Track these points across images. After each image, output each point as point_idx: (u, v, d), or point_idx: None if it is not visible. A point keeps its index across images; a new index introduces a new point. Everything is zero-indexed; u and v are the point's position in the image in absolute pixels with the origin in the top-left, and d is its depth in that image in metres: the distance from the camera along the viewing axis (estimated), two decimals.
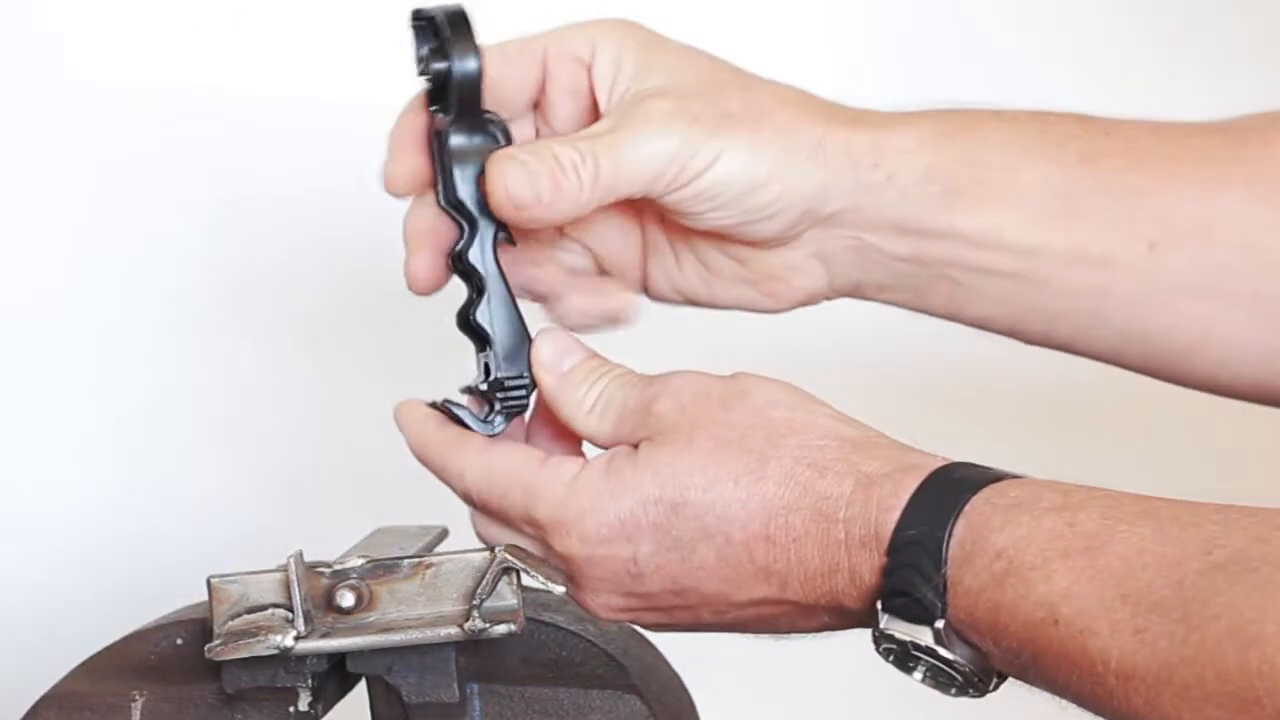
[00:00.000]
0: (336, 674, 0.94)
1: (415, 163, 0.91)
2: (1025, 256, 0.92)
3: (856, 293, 0.96)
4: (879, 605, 0.81)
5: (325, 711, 0.94)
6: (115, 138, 1.43)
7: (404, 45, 0.90)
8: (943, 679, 0.81)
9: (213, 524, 1.46)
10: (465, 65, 0.88)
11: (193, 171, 1.45)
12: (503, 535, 0.90)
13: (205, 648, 0.91)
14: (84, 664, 0.94)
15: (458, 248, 0.91)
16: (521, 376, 0.91)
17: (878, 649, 0.81)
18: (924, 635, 0.79)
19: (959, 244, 0.92)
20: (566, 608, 0.95)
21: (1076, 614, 0.75)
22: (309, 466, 1.48)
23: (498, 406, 0.91)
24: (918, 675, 0.81)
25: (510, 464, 0.89)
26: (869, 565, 0.81)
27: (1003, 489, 0.80)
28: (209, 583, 0.91)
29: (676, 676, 0.96)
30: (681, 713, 0.95)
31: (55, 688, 0.94)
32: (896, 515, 0.81)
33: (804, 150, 0.90)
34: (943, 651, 0.79)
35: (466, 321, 0.91)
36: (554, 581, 0.89)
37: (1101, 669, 0.74)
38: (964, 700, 0.83)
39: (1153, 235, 0.91)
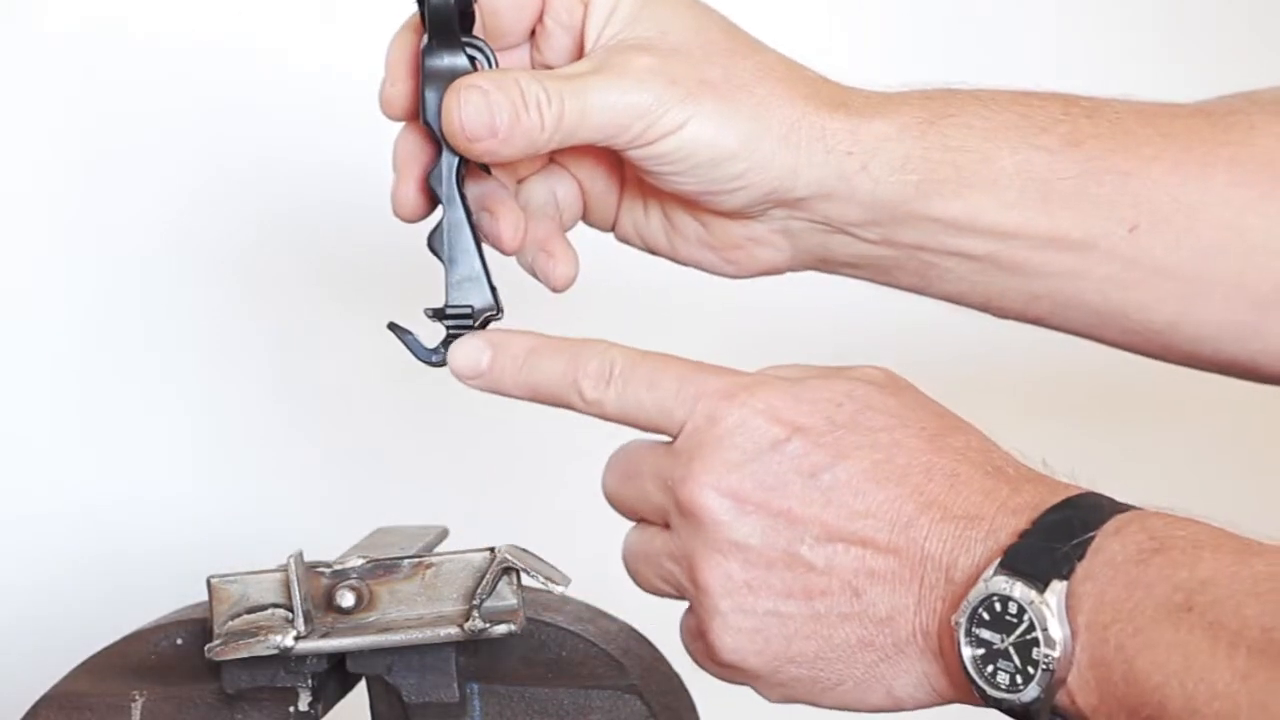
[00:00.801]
0: (336, 674, 0.94)
1: (408, 85, 0.90)
2: (999, 240, 0.92)
3: (820, 268, 0.95)
4: (995, 563, 0.78)
5: (325, 711, 0.94)
6: (126, 125, 1.43)
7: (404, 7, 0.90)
8: (1021, 673, 0.78)
9: (213, 524, 1.46)
10: None
11: (193, 169, 1.45)
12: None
13: (205, 648, 0.91)
14: (84, 664, 0.94)
15: (429, 170, 0.91)
16: (466, 306, 0.90)
17: (967, 635, 0.79)
18: (1035, 597, 0.77)
19: (931, 228, 0.92)
20: (566, 608, 0.95)
21: (1210, 603, 0.74)
22: (309, 466, 1.48)
23: (444, 335, 0.90)
24: (993, 672, 0.79)
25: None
26: (1010, 528, 0.79)
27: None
28: (209, 583, 0.91)
29: (677, 676, 0.96)
30: (681, 713, 0.95)
31: (55, 688, 0.94)
32: (1067, 494, 0.80)
33: (777, 130, 0.90)
34: (1049, 619, 0.77)
35: (429, 244, 0.91)
36: (554, 581, 0.89)
37: (1223, 663, 0.72)
38: (960, 709, 0.82)
39: (1134, 219, 0.91)
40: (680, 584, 0.85)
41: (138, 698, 0.93)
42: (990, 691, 0.79)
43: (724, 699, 1.04)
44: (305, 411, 1.48)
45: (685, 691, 0.97)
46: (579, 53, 0.91)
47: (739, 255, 0.95)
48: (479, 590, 0.90)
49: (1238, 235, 0.91)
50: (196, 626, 0.93)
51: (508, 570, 0.90)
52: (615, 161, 0.95)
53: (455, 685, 0.92)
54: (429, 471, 1.48)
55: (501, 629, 0.89)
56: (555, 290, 0.94)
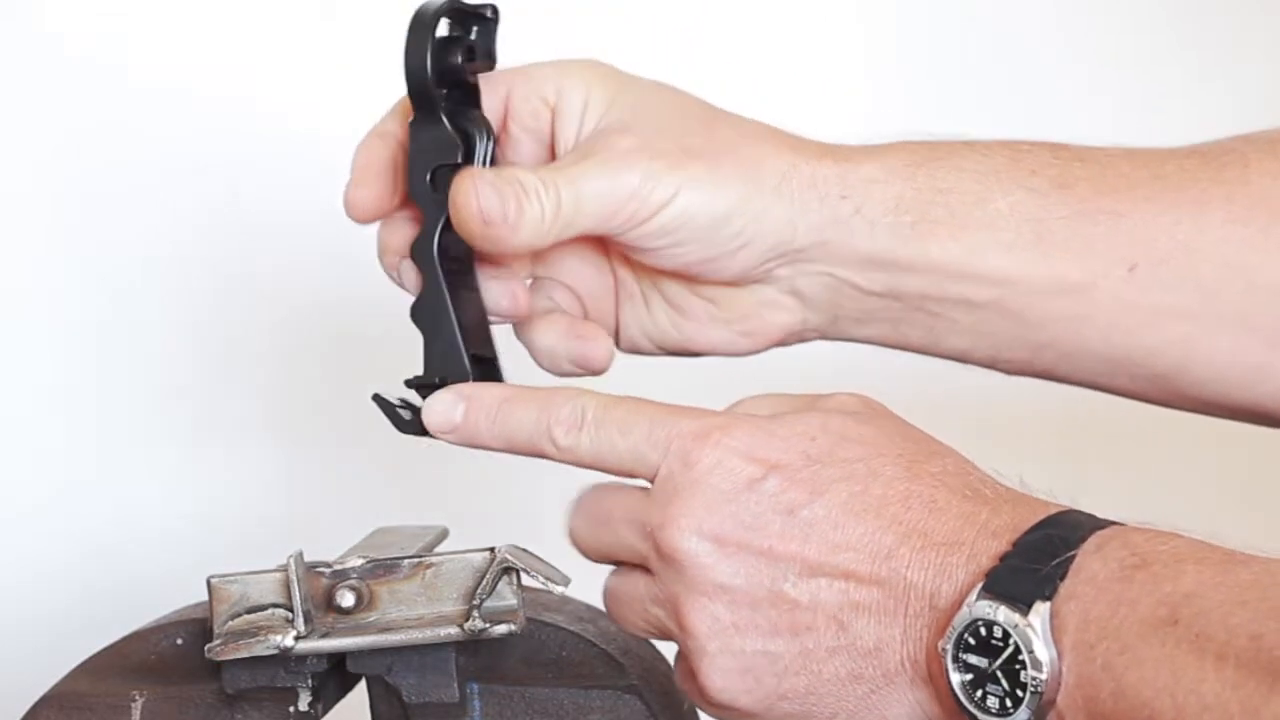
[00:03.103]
0: (336, 674, 0.94)
1: (374, 190, 0.92)
2: (1001, 285, 0.91)
3: (833, 329, 0.95)
4: (978, 588, 0.78)
5: (325, 711, 0.94)
6: (112, 134, 1.43)
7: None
8: (1010, 696, 0.78)
9: (213, 524, 1.46)
10: (410, 64, 0.88)
11: (191, 167, 1.45)
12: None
13: (205, 648, 0.91)
14: (84, 664, 0.94)
15: (414, 243, 0.91)
16: (432, 380, 0.90)
17: (955, 661, 0.79)
18: (1019, 620, 0.77)
19: (932, 276, 0.91)
20: (566, 608, 0.95)
21: (1195, 615, 0.73)
22: (309, 466, 1.48)
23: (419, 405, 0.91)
24: (983, 696, 0.79)
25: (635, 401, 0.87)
26: (990, 552, 0.79)
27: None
28: (209, 583, 0.91)
29: None
30: (681, 713, 0.95)
31: (55, 688, 0.94)
32: (1046, 514, 0.80)
33: (769, 183, 0.90)
34: (1034, 641, 0.77)
35: (413, 317, 0.92)
36: (554, 581, 0.89)
37: (1211, 674, 0.72)
38: None
39: (1132, 258, 0.91)
40: (665, 627, 0.85)
41: (138, 698, 0.93)
42: (981, 716, 0.79)
43: None
44: (305, 411, 1.48)
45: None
46: (549, 156, 0.92)
47: (753, 325, 0.94)
48: (479, 590, 0.90)
49: (1238, 273, 0.91)
50: (196, 626, 0.93)
51: (508, 570, 0.90)
52: (602, 263, 0.95)
53: (455, 685, 0.92)
54: (429, 471, 1.48)
55: (501, 629, 0.89)
56: (598, 372, 0.94)
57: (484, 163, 0.90)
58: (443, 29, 0.89)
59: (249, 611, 0.91)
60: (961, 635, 0.79)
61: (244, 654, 0.90)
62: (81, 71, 1.43)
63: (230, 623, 0.91)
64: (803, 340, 0.96)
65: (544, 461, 0.88)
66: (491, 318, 0.93)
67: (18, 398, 1.44)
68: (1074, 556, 0.77)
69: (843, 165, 0.91)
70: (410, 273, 0.91)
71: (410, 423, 0.91)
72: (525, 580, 0.90)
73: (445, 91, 0.90)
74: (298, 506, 1.47)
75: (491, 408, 0.88)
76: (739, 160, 0.90)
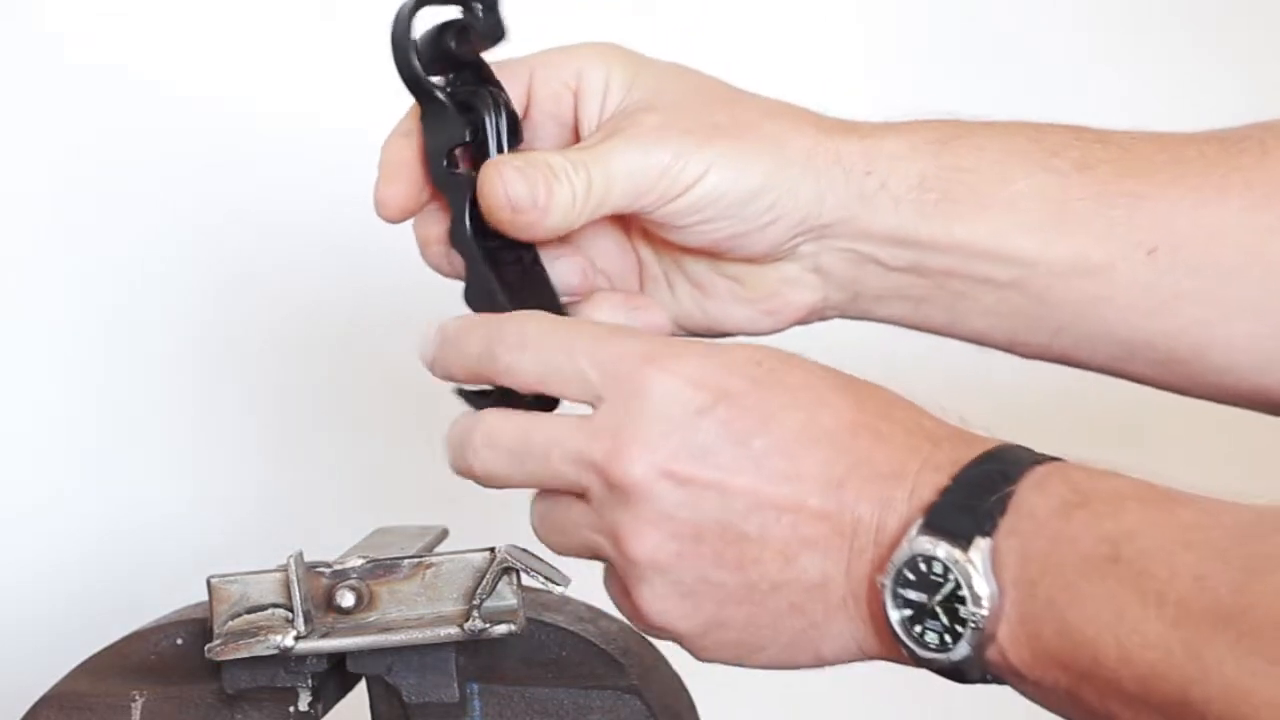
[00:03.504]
0: (336, 674, 0.94)
1: (403, 187, 0.91)
2: (1023, 265, 0.91)
3: (853, 307, 0.95)
4: (918, 523, 0.78)
5: (325, 711, 0.94)
6: (113, 135, 1.43)
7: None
8: (949, 632, 0.78)
9: (212, 524, 1.46)
10: (395, 56, 0.89)
11: (192, 167, 1.45)
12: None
13: (205, 648, 0.91)
14: (84, 664, 0.94)
15: (450, 231, 0.91)
16: None
17: (894, 597, 0.79)
18: (959, 555, 0.77)
19: (956, 254, 0.91)
20: (566, 608, 0.95)
21: (1138, 553, 0.73)
22: (309, 466, 1.48)
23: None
24: (921, 632, 0.79)
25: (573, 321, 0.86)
26: (932, 485, 0.79)
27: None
28: (209, 583, 0.91)
29: (676, 677, 0.96)
30: (681, 713, 0.95)
31: (55, 688, 0.94)
32: (985, 448, 0.80)
33: (796, 159, 0.90)
34: (974, 577, 0.77)
35: (467, 302, 0.91)
36: (554, 581, 0.89)
37: (1153, 613, 0.72)
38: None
39: (1152, 241, 0.91)
40: (603, 552, 0.84)
41: (138, 698, 0.93)
42: (920, 652, 0.79)
43: (724, 699, 1.04)
44: (305, 412, 1.48)
45: (685, 691, 0.97)
46: (573, 139, 0.92)
47: (776, 303, 0.94)
48: (479, 590, 0.90)
49: (1257, 258, 0.91)
50: (196, 626, 0.93)
51: (508, 570, 0.90)
52: (625, 244, 0.95)
53: (455, 685, 0.92)
54: (429, 471, 1.48)
55: (501, 629, 0.89)
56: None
57: (499, 137, 0.90)
58: (434, 14, 0.89)
59: (249, 611, 0.91)
60: (901, 570, 0.79)
61: (244, 654, 0.90)
62: (81, 71, 1.43)
63: (230, 623, 0.91)
64: (823, 319, 0.96)
65: None
66: (564, 296, 0.92)
67: (18, 398, 1.44)
68: (1013, 492, 0.77)
69: (866, 141, 0.91)
70: (457, 259, 0.91)
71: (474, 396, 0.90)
72: (525, 580, 0.90)
73: (451, 75, 0.90)
74: (298, 506, 1.47)
75: (453, 336, 0.88)
76: (766, 136, 0.90)
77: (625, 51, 0.92)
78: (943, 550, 0.78)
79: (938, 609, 0.78)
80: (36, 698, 0.94)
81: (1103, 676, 0.74)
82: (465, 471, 0.87)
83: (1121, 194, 0.91)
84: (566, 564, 0.91)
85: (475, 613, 0.90)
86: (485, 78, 0.91)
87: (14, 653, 1.42)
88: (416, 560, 0.91)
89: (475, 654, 0.92)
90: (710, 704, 0.98)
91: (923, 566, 0.78)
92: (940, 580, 0.78)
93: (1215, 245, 0.91)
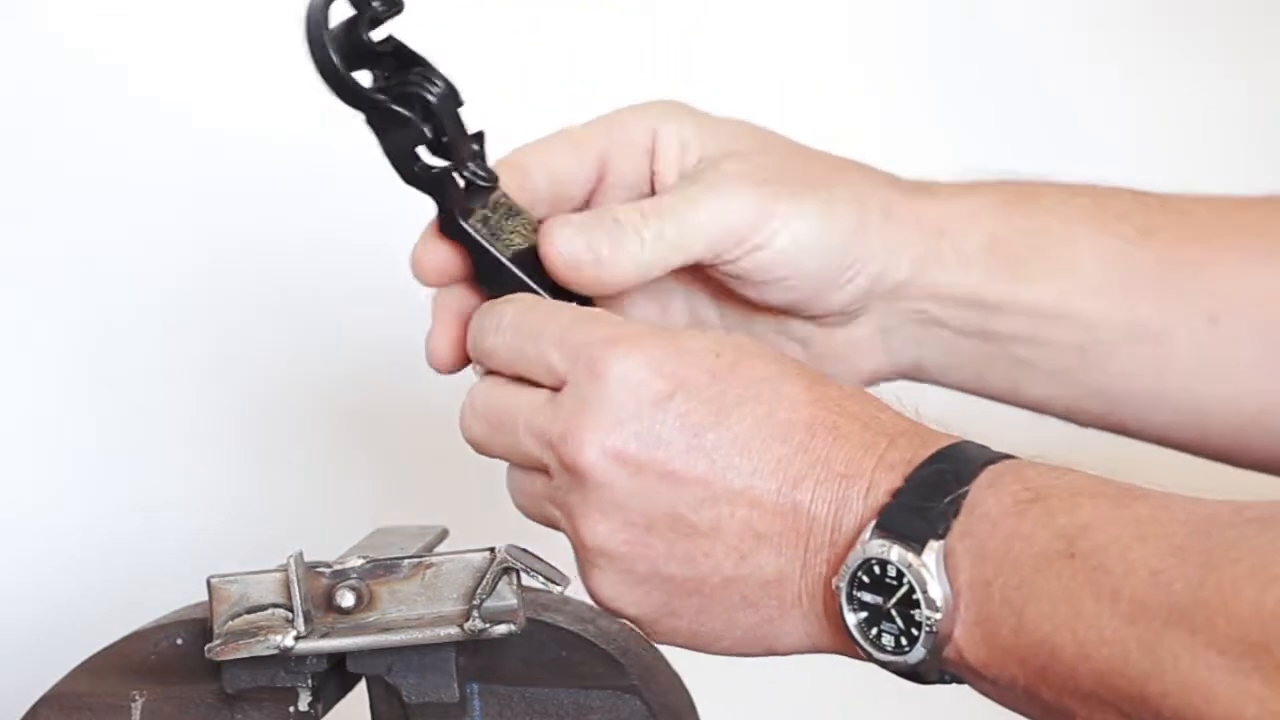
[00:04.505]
0: (336, 674, 0.94)
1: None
2: (1086, 330, 0.91)
3: (916, 372, 0.94)
4: (871, 526, 0.78)
5: (325, 711, 0.94)
6: (113, 136, 1.44)
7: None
8: (905, 635, 0.78)
9: (212, 524, 1.46)
10: (319, 71, 0.87)
11: (192, 169, 1.45)
12: (502, 395, 0.85)
13: (205, 648, 0.91)
14: (84, 664, 0.94)
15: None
16: None
17: (849, 599, 0.78)
18: (913, 559, 0.77)
19: (1022, 318, 0.91)
20: (566, 608, 0.95)
21: (1093, 548, 0.73)
22: (309, 467, 1.48)
23: None
24: (878, 634, 0.78)
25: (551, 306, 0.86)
26: (886, 485, 0.79)
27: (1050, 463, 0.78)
28: (209, 583, 0.91)
29: (676, 676, 0.96)
30: (681, 713, 0.95)
31: (55, 688, 0.94)
32: (939, 446, 0.79)
33: (876, 215, 0.90)
34: (929, 581, 0.76)
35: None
36: (554, 581, 0.89)
37: (1108, 609, 0.72)
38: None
39: (1212, 308, 0.91)
40: (562, 528, 0.85)
41: (138, 698, 0.93)
42: (876, 654, 0.79)
43: (724, 699, 1.04)
44: (305, 411, 1.48)
45: (685, 691, 0.97)
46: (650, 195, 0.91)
47: (841, 368, 0.94)
48: (479, 590, 0.90)
49: None
50: (196, 626, 0.93)
51: (508, 570, 0.90)
52: (690, 300, 0.94)
53: (455, 685, 0.92)
54: (429, 471, 1.48)
55: (501, 629, 0.89)
56: None
57: (454, 120, 0.87)
58: (339, 12, 0.86)
59: (249, 611, 0.91)
60: (855, 573, 0.78)
61: (244, 654, 0.90)
62: (82, 69, 1.43)
63: (230, 623, 0.91)
64: (886, 381, 0.95)
65: None
66: None
67: (18, 398, 1.44)
68: (967, 493, 0.77)
69: (938, 200, 0.92)
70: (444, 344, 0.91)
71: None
72: (525, 580, 0.90)
73: (377, 73, 0.87)
74: (297, 506, 1.47)
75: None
76: (847, 190, 0.90)
77: (688, 106, 0.92)
78: (895, 554, 0.77)
79: (893, 612, 0.78)
80: (36, 698, 0.94)
81: (1060, 673, 0.74)
82: (465, 437, 0.87)
83: (1182, 260, 0.92)
84: (566, 564, 0.91)
85: (475, 613, 0.90)
86: (406, 59, 0.88)
87: (14, 653, 1.42)
88: (416, 560, 0.91)
89: (475, 654, 0.92)
90: (710, 704, 0.98)
91: (877, 570, 0.78)
92: (894, 584, 0.78)
93: (1273, 311, 0.91)
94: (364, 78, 0.87)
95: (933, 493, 0.78)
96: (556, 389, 0.84)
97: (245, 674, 0.92)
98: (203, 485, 1.47)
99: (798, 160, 0.91)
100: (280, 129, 1.45)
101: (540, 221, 0.90)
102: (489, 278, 0.89)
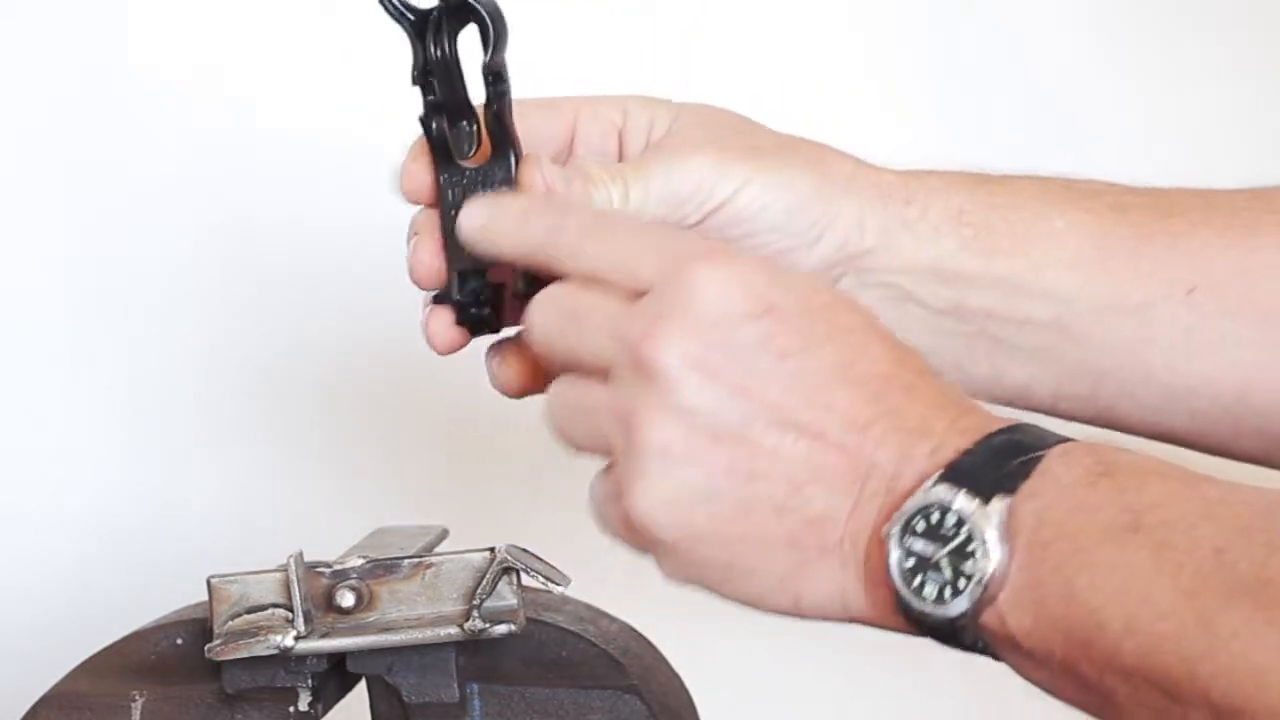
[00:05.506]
0: (336, 674, 0.94)
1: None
2: (1063, 304, 0.91)
3: None
4: (937, 475, 0.77)
5: (325, 711, 0.94)
6: (120, 136, 1.44)
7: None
8: (950, 586, 0.76)
9: (213, 524, 1.46)
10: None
11: (194, 171, 1.45)
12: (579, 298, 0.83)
13: (205, 648, 0.91)
14: (84, 664, 0.95)
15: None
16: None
17: (899, 545, 0.77)
18: (977, 508, 0.75)
19: (995, 290, 0.91)
20: (566, 608, 0.95)
21: (1159, 523, 0.72)
22: (309, 467, 1.48)
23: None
24: (921, 583, 0.77)
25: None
26: (956, 446, 0.78)
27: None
28: (209, 583, 0.91)
29: (676, 676, 0.96)
30: (681, 713, 0.95)
31: (55, 688, 0.94)
32: (1010, 423, 0.79)
33: (837, 180, 0.90)
34: (988, 533, 0.75)
35: None
36: (554, 581, 0.89)
37: (1168, 583, 0.71)
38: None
39: (1190, 280, 0.91)
40: (609, 443, 0.82)
41: (138, 698, 0.93)
42: (914, 603, 0.77)
43: (724, 699, 1.04)
44: (305, 411, 1.48)
45: (685, 691, 0.97)
46: None
47: None
48: (479, 590, 0.90)
49: None
50: (196, 626, 0.94)
51: (508, 570, 0.90)
52: None
53: (455, 685, 0.92)
54: (429, 471, 1.48)
55: (501, 629, 0.89)
56: None
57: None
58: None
59: (249, 611, 0.91)
60: (912, 519, 0.77)
61: (244, 654, 0.90)
62: (82, 68, 1.43)
63: (230, 623, 0.91)
64: None
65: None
66: None
67: (18, 398, 1.44)
68: (1040, 457, 0.76)
69: (904, 174, 0.92)
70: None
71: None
72: (525, 580, 0.90)
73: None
74: (298, 506, 1.47)
75: (514, 215, 0.86)
76: (807, 156, 0.90)
77: (665, 99, 0.92)
78: (960, 501, 0.76)
79: (942, 562, 0.76)
80: (36, 698, 0.94)
81: (1105, 648, 0.73)
82: (527, 328, 0.85)
83: (1158, 233, 0.91)
84: (566, 564, 0.91)
85: (475, 613, 0.90)
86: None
87: (14, 653, 1.42)
88: (416, 560, 0.91)
89: (475, 654, 0.92)
90: (710, 704, 0.98)
91: (935, 517, 0.77)
92: (951, 533, 0.76)
93: (1251, 286, 0.91)
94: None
95: (1006, 454, 0.77)
96: (640, 294, 0.83)
97: (245, 674, 0.92)
98: (203, 485, 1.47)
99: (766, 134, 0.91)
100: (280, 129, 1.45)
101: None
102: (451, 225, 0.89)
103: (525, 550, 0.90)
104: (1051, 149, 1.47)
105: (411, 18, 0.88)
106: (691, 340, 0.80)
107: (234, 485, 1.47)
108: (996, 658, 0.78)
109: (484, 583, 0.90)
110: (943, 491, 0.77)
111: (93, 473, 1.45)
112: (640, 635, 0.96)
